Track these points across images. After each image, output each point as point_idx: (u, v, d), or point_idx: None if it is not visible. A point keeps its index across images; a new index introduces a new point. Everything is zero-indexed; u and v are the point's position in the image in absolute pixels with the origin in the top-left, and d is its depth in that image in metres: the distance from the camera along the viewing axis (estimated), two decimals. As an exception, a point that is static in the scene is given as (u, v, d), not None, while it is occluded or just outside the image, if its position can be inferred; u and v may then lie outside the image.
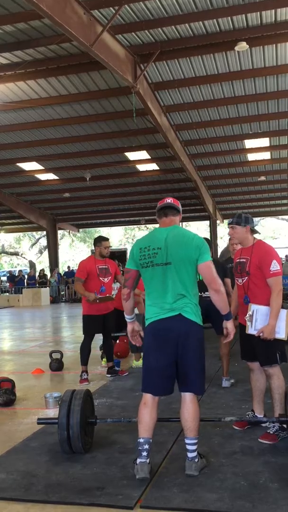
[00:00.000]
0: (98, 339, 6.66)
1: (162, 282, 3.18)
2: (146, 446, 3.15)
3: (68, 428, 3.48)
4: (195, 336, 3.17)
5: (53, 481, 3.18)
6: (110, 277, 6.03)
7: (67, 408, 3.55)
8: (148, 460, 3.15)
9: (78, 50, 9.39)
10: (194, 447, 3.18)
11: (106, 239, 6.16)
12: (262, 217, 34.54)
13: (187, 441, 3.19)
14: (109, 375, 6.13)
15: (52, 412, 4.67)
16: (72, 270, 25.66)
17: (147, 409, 3.20)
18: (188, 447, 3.19)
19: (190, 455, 3.18)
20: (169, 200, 3.39)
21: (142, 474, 3.09)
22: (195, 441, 3.19)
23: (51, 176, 18.57)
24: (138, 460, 3.14)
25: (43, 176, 18.64)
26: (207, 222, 25.72)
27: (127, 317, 3.48)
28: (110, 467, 3.35)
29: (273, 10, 8.42)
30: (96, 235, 39.39)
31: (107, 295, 5.92)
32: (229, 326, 3.35)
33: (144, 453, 3.14)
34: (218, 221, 24.35)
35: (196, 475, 3.12)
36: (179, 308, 3.15)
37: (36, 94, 11.53)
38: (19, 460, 3.55)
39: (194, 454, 3.18)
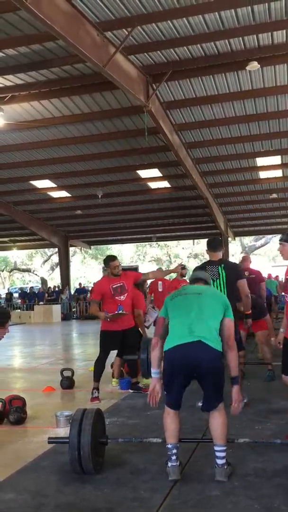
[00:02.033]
0: (111, 356, 6.62)
1: (188, 306, 3.49)
2: (175, 451, 3.43)
3: (79, 448, 3.45)
4: (214, 363, 3.35)
5: (63, 501, 3.14)
6: (126, 294, 5.88)
7: (78, 428, 3.52)
8: (178, 463, 3.43)
9: (91, 71, 9.53)
10: (223, 454, 3.38)
11: (113, 259, 5.96)
12: (274, 235, 34.36)
13: (216, 448, 3.40)
14: (132, 391, 6.07)
15: (63, 431, 4.63)
16: (84, 287, 25.66)
17: (170, 418, 3.46)
18: (218, 454, 3.39)
19: (219, 461, 3.37)
20: (201, 275, 3.94)
21: (174, 476, 3.37)
22: (224, 448, 3.39)
23: (63, 193, 18.71)
24: (169, 464, 3.42)
25: (55, 194, 18.80)
26: (218, 240, 25.64)
27: (152, 371, 3.62)
28: (121, 488, 3.30)
29: (284, 30, 8.49)
30: (108, 252, 39.49)
31: (122, 311, 5.84)
32: (234, 393, 3.50)
33: (174, 457, 3.42)
34: (229, 238, 24.29)
35: (225, 481, 3.31)
36: (199, 334, 3.34)
37: (49, 114, 11.70)
38: (29, 480, 3.52)
39: (223, 461, 3.38)
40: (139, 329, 6.55)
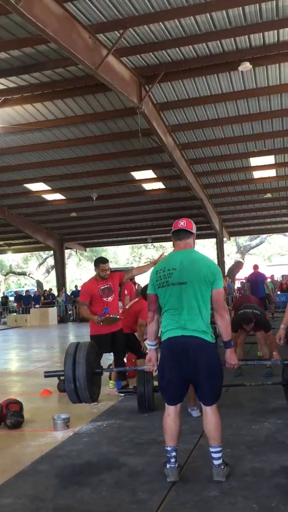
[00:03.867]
0: (107, 358, 6.62)
1: (177, 300, 3.35)
2: (174, 453, 3.39)
3: (74, 379, 3.55)
4: (208, 354, 3.33)
5: (61, 505, 3.13)
6: (114, 295, 5.99)
7: (72, 360, 3.65)
8: (177, 465, 3.40)
9: (84, 73, 9.54)
10: (219, 455, 3.35)
11: (105, 262, 6.03)
12: (269, 234, 34.46)
13: (211, 449, 3.36)
14: (123, 394, 6.07)
15: (61, 434, 4.63)
16: (80, 289, 25.56)
17: (171, 419, 3.41)
18: (213, 455, 3.35)
19: (216, 462, 3.35)
20: (182, 222, 3.50)
21: (172, 477, 3.35)
22: (220, 449, 3.35)
23: (58, 196, 18.71)
24: (168, 466, 3.40)
25: (50, 196, 18.79)
26: (213, 240, 25.69)
27: (148, 343, 3.58)
28: (119, 491, 3.30)
29: (276, 31, 8.53)
30: (104, 254, 39.12)
31: (112, 315, 5.88)
32: (228, 354, 3.51)
33: (173, 460, 3.39)
34: (224, 239, 24.33)
35: (223, 481, 3.29)
36: (192, 328, 3.31)
37: (43, 116, 11.70)
38: (27, 484, 3.50)
39: (220, 461, 3.35)
40: (138, 338, 6.60)
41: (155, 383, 5.97)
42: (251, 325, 6.55)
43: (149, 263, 6.65)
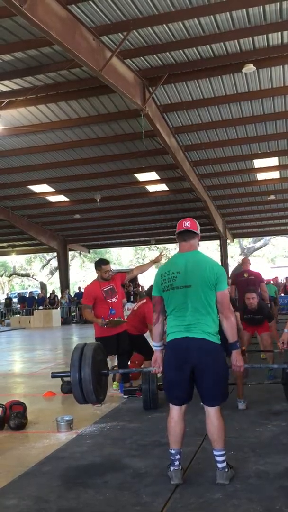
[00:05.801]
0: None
1: (181, 303, 3.36)
2: (178, 456, 3.39)
3: (80, 374, 3.64)
4: (213, 355, 3.32)
5: (65, 507, 3.13)
6: (117, 296, 6.00)
7: (80, 354, 3.75)
8: (180, 467, 3.41)
9: (87, 75, 9.56)
10: (223, 458, 3.34)
11: (106, 263, 6.08)
12: (273, 236, 34.41)
13: (215, 452, 3.36)
14: (126, 396, 6.06)
15: (64, 436, 4.63)
16: (83, 291, 25.59)
17: (175, 422, 3.41)
18: (217, 458, 3.35)
19: (219, 465, 3.34)
20: (186, 223, 3.47)
21: (176, 480, 3.35)
22: (223, 452, 3.34)
23: (61, 197, 18.73)
24: (172, 468, 3.40)
25: (54, 198, 18.82)
26: (217, 242, 25.65)
27: (154, 344, 3.61)
28: (123, 493, 3.29)
29: (280, 33, 8.53)
30: (107, 256, 39.05)
31: (117, 317, 5.87)
32: (234, 356, 3.49)
33: (176, 462, 3.39)
34: (228, 240, 24.30)
35: (227, 483, 3.28)
36: (196, 330, 3.31)
37: (46, 118, 11.72)
38: (31, 485, 3.51)
39: (224, 464, 3.34)
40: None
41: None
42: (253, 295, 6.53)
43: (148, 262, 6.68)
